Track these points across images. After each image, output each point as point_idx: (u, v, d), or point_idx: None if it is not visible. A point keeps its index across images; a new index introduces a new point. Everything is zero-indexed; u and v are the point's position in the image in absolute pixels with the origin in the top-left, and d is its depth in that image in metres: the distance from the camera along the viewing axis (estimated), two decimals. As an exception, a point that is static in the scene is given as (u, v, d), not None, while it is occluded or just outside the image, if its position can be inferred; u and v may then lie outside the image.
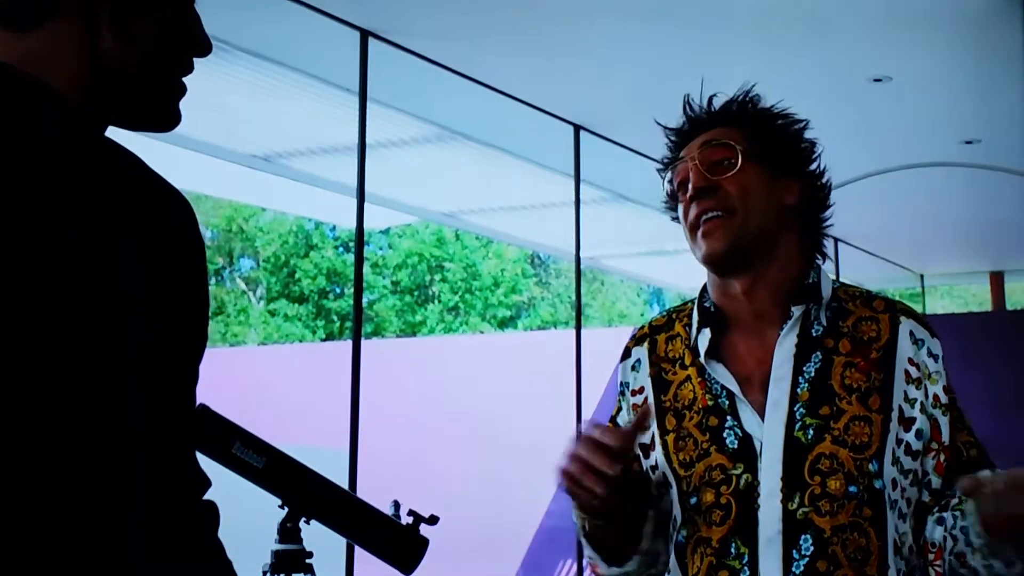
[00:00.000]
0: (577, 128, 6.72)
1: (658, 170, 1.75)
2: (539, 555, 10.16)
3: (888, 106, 6.23)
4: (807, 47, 5.37)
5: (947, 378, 1.60)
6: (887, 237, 10.03)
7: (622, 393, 1.76)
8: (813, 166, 1.72)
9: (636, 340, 1.78)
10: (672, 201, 1.73)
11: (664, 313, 1.80)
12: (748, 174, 1.62)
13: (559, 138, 6.70)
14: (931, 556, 1.54)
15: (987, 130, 6.79)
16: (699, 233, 1.62)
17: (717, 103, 1.72)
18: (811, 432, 1.53)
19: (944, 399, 1.58)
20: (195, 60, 1.10)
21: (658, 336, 1.75)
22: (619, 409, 1.77)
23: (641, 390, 1.72)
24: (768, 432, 1.55)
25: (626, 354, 1.78)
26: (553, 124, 6.56)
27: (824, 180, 1.73)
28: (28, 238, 0.88)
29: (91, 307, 0.91)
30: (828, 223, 1.73)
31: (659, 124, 1.77)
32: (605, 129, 6.74)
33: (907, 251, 10.84)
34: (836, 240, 9.81)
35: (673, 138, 1.73)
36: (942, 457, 1.56)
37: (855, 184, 6.89)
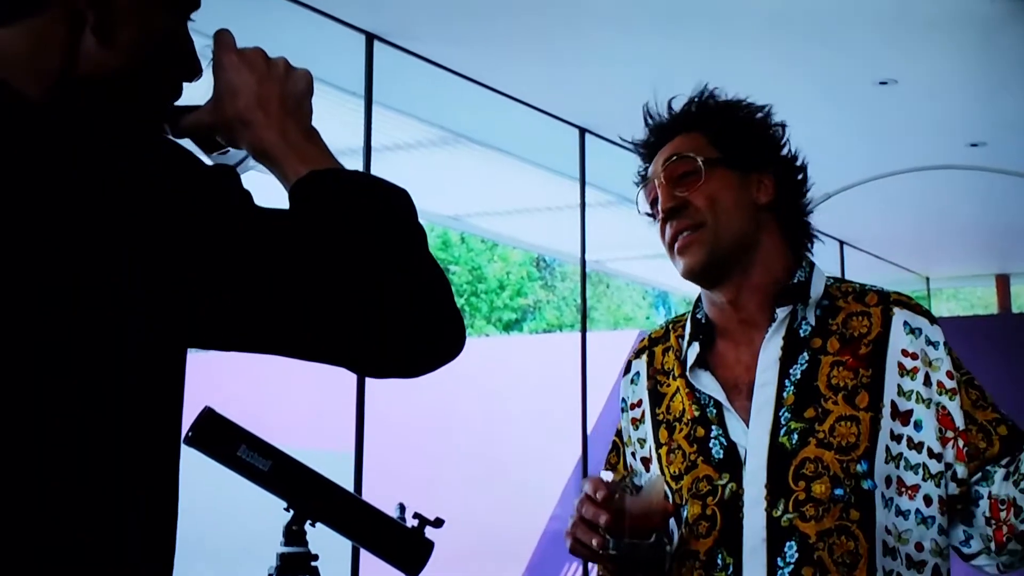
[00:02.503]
0: (582, 131, 6.72)
1: (635, 183, 1.73)
2: (544, 559, 10.15)
3: (894, 109, 6.23)
4: (814, 51, 5.37)
5: (953, 361, 1.55)
6: (893, 240, 10.02)
7: (623, 409, 1.75)
8: (784, 152, 1.67)
9: (636, 353, 1.77)
10: (651, 216, 1.71)
11: (663, 325, 1.78)
12: (714, 182, 1.59)
13: (564, 141, 6.70)
14: (1003, 514, 1.47)
15: (993, 133, 6.78)
16: (674, 250, 1.61)
17: (677, 105, 1.69)
18: (795, 437, 1.50)
19: (950, 384, 1.53)
20: (200, 58, 1.10)
21: (656, 348, 1.73)
22: (621, 425, 1.76)
23: (639, 403, 1.71)
24: (752, 439, 1.52)
25: (627, 368, 1.77)
26: (558, 127, 6.56)
27: (798, 164, 1.68)
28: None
29: (88, 306, 0.90)
30: (809, 210, 1.69)
31: (623, 142, 1.76)
32: (610, 132, 6.73)
33: (913, 254, 10.83)
34: (841, 243, 9.79)
35: (642, 150, 1.71)
36: (960, 443, 1.51)
37: (861, 187, 6.88)
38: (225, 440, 2.08)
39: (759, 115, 1.67)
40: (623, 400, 1.75)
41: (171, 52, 1.06)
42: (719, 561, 1.50)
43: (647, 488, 1.49)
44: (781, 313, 1.57)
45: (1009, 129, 6.63)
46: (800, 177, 1.68)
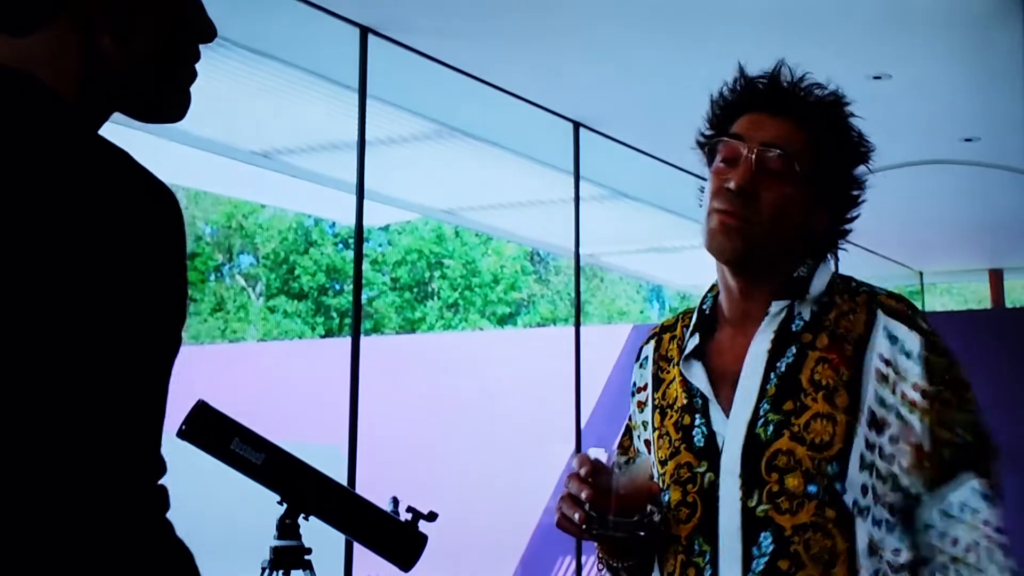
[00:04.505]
0: (576, 125, 6.72)
1: (709, 125, 1.67)
2: (538, 552, 10.17)
3: (887, 104, 6.23)
4: (807, 45, 5.37)
5: (929, 373, 1.51)
6: (886, 235, 10.03)
7: (632, 393, 1.77)
8: (854, 210, 1.65)
9: (647, 339, 1.79)
10: (708, 158, 1.65)
11: (676, 314, 1.80)
12: (793, 195, 1.55)
13: (558, 135, 6.70)
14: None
15: (986, 128, 6.79)
16: (715, 221, 1.57)
17: (791, 81, 1.63)
18: (771, 428, 1.50)
19: (913, 396, 1.50)
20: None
21: (664, 335, 1.75)
22: (631, 408, 1.79)
23: (645, 387, 1.74)
24: (731, 429, 1.53)
25: (638, 354, 1.80)
26: (552, 121, 6.56)
27: (856, 215, 1.65)
28: (21, 237, 0.89)
29: (73, 301, 0.91)
30: (844, 244, 1.68)
31: (742, 76, 1.65)
32: (604, 126, 6.74)
33: (906, 249, 10.85)
34: (835, 238, 9.80)
35: (743, 95, 1.64)
36: (911, 456, 1.49)
37: (854, 182, 6.88)
38: (218, 433, 2.08)
39: (864, 152, 1.63)
40: (633, 384, 1.78)
41: (186, 28, 1.09)
42: (696, 547, 1.52)
43: (634, 468, 1.52)
44: (775, 307, 1.58)
45: (1002, 124, 6.65)
46: (851, 221, 1.66)
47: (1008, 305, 12.88)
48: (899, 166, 7.10)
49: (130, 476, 0.98)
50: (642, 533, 1.51)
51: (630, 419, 1.79)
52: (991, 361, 7.54)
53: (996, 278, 12.41)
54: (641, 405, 1.74)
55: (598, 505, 1.48)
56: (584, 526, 1.48)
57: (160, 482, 1.03)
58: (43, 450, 0.90)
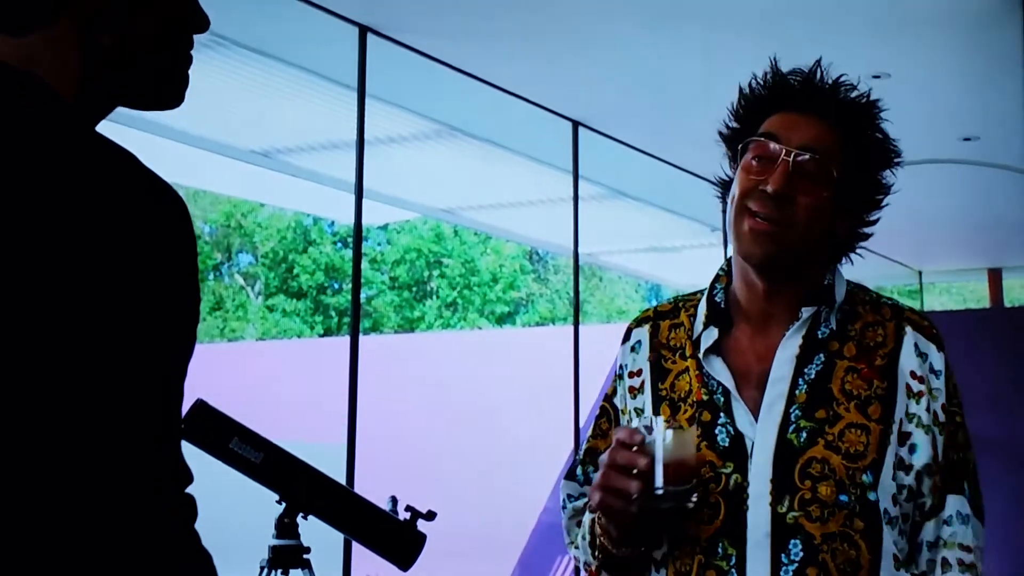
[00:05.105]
0: (575, 124, 6.72)
1: (735, 117, 1.67)
2: (536, 551, 10.17)
3: (887, 103, 6.22)
4: (806, 44, 5.35)
5: (949, 393, 1.56)
6: (885, 234, 9.90)
7: (619, 376, 1.73)
8: (876, 213, 1.67)
9: (638, 322, 1.75)
10: (737, 152, 1.64)
11: (671, 300, 1.76)
12: (824, 200, 1.56)
13: (557, 134, 6.70)
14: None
15: (986, 127, 6.80)
16: (746, 224, 1.56)
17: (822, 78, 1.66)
18: (804, 435, 1.50)
19: (942, 417, 1.54)
20: (195, 49, 1.11)
21: (662, 322, 1.71)
22: (614, 391, 1.74)
23: (639, 372, 1.69)
24: (761, 433, 1.52)
25: (627, 336, 1.75)
26: (551, 120, 6.56)
27: (877, 218, 1.68)
28: (23, 236, 0.89)
29: (85, 304, 0.91)
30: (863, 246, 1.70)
31: (775, 72, 1.67)
32: (603, 125, 6.74)
33: (905, 248, 10.85)
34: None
35: (770, 91, 1.65)
36: (937, 478, 1.53)
37: (853, 181, 6.89)
38: (217, 432, 2.08)
39: (894, 161, 1.67)
40: (621, 367, 1.73)
41: (183, 22, 1.09)
42: (720, 550, 1.49)
43: (682, 438, 1.47)
44: (806, 313, 1.57)
45: (1001, 123, 6.65)
46: (870, 227, 1.68)
47: (1007, 304, 12.87)
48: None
49: (157, 482, 0.98)
50: (693, 501, 1.48)
51: (608, 401, 1.75)
52: (990, 360, 7.54)
53: (995, 277, 12.41)
54: (634, 391, 1.69)
55: (647, 475, 1.44)
56: (635, 496, 1.43)
57: (187, 491, 1.03)
58: (71, 459, 0.90)
